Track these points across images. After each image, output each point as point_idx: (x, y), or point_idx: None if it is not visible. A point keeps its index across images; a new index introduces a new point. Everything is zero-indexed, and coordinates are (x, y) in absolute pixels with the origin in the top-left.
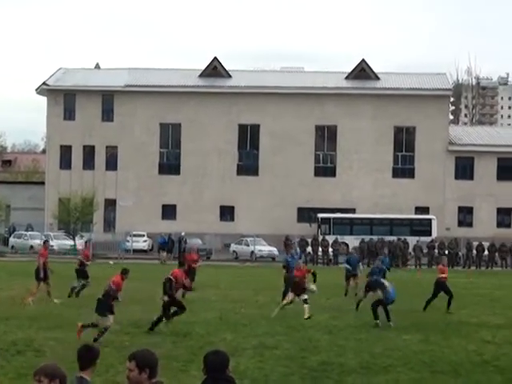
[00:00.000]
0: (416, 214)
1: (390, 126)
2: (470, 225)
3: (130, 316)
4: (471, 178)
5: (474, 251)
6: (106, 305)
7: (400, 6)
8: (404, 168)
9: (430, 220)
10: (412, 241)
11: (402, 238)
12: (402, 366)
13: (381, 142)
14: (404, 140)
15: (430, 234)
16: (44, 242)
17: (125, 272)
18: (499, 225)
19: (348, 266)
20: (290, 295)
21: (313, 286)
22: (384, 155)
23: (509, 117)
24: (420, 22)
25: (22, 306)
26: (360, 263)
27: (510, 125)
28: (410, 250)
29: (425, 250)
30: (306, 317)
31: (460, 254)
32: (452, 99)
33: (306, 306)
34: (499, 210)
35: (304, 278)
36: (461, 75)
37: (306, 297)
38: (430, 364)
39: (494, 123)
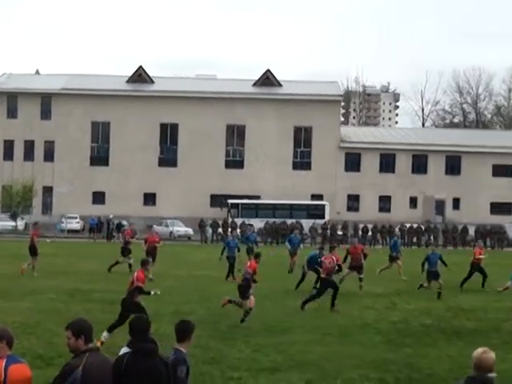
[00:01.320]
0: (312, 200)
1: (290, 126)
2: (357, 210)
3: (64, 286)
4: (358, 170)
5: (360, 232)
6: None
7: (300, 22)
8: (302, 162)
9: (323, 206)
10: (308, 223)
11: (300, 220)
12: (298, 328)
13: (282, 140)
14: (302, 138)
15: (323, 218)
16: (34, 224)
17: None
18: (381, 210)
19: (288, 246)
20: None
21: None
22: (285, 151)
23: (389, 119)
24: (317, 37)
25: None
26: (301, 244)
27: (390, 126)
28: (306, 231)
29: (319, 231)
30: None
31: (348, 234)
32: (343, 104)
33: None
34: (381, 198)
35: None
36: (350, 83)
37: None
38: (321, 327)
39: (377, 124)
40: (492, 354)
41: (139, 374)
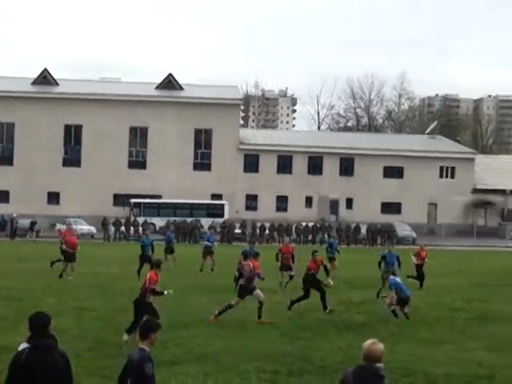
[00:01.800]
0: (211, 200)
1: (191, 128)
2: (255, 209)
3: None
4: (256, 171)
5: (258, 230)
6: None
7: (202, 27)
8: (202, 163)
9: (222, 205)
10: (208, 222)
11: (200, 219)
12: (199, 322)
13: (183, 141)
14: (203, 140)
15: (222, 216)
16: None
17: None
18: (278, 209)
19: (208, 244)
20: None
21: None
22: (186, 152)
23: (287, 122)
24: (218, 42)
25: None
26: (214, 243)
27: (287, 129)
28: (206, 229)
29: (218, 230)
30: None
31: (246, 232)
32: (242, 107)
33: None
34: (278, 198)
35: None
36: (249, 88)
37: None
38: (221, 321)
39: (276, 127)
40: (380, 345)
41: (38, 369)
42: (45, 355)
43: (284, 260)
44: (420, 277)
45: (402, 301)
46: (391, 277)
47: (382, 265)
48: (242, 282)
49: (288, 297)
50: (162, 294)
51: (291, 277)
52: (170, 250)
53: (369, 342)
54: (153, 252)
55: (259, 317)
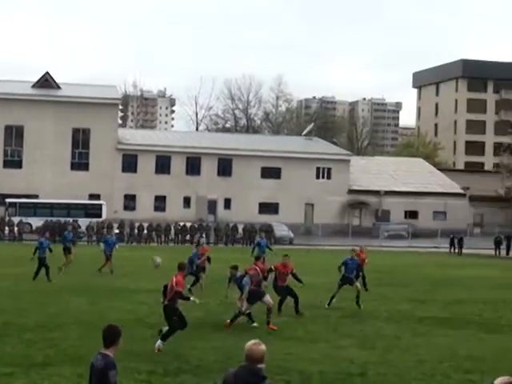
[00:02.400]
0: (89, 200)
1: (69, 128)
2: (134, 209)
3: None
4: (135, 171)
5: (136, 230)
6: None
7: (79, 27)
8: (80, 162)
9: (100, 205)
10: (85, 222)
11: (77, 219)
12: (72, 323)
13: (61, 141)
14: (81, 139)
15: (100, 216)
16: None
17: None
18: (156, 209)
19: (105, 246)
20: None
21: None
22: (63, 151)
23: (166, 123)
24: (97, 42)
25: None
26: (117, 244)
27: (166, 129)
28: (84, 229)
29: (95, 230)
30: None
31: (125, 232)
32: (121, 107)
33: None
34: (156, 198)
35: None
36: (128, 88)
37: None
38: (96, 322)
39: (154, 127)
40: (262, 346)
41: None
42: None
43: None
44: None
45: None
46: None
47: (342, 270)
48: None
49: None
50: (188, 299)
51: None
52: (68, 250)
53: (250, 342)
54: (51, 251)
55: (268, 323)
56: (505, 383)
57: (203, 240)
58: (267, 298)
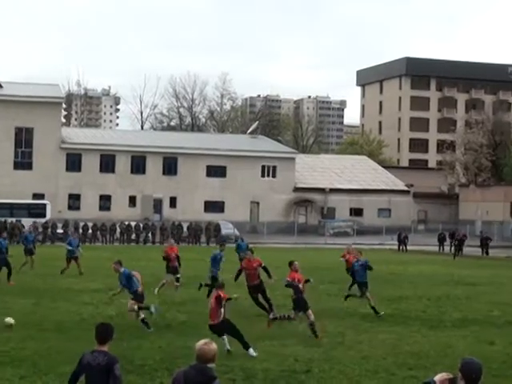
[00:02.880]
0: (33, 199)
1: (11, 127)
2: (78, 208)
3: None
4: (79, 170)
5: (81, 230)
6: None
7: (21, 23)
8: (23, 161)
9: (44, 204)
10: (29, 222)
11: (20, 219)
12: (15, 325)
13: (3, 140)
14: (24, 138)
15: (44, 216)
16: None
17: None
18: (101, 208)
19: (69, 248)
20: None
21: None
22: (6, 150)
23: (110, 121)
24: (40, 41)
25: None
26: (79, 247)
27: (110, 128)
28: (27, 229)
29: (40, 230)
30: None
31: (69, 232)
32: (64, 106)
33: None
34: (101, 197)
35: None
36: (72, 86)
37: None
38: (38, 323)
39: (99, 126)
40: (213, 346)
41: None
42: None
43: (170, 261)
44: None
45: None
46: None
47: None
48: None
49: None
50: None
51: (177, 279)
52: (29, 251)
53: (201, 342)
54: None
55: (315, 334)
56: (444, 379)
57: (172, 240)
58: (310, 310)
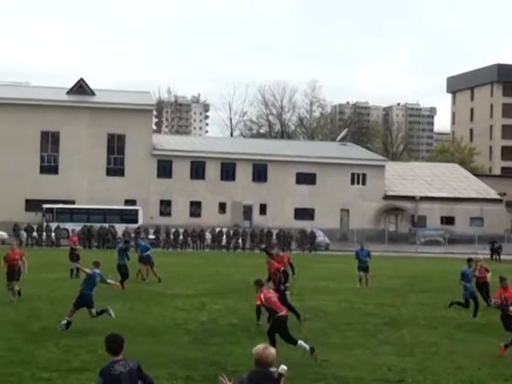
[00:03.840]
0: (125, 205)
1: (104, 133)
2: (169, 214)
3: None
4: (170, 176)
5: (172, 236)
6: None
7: (114, 33)
8: (116, 168)
9: (136, 210)
10: (121, 227)
11: (112, 224)
12: (110, 329)
13: (96, 146)
14: (116, 145)
15: (136, 222)
16: None
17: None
18: (191, 214)
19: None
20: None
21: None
22: (99, 157)
23: (200, 128)
24: (131, 49)
25: None
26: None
27: (200, 135)
28: (120, 235)
29: (132, 235)
30: None
31: (161, 238)
32: (155, 113)
33: None
34: (192, 203)
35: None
36: (162, 94)
37: None
38: (132, 327)
39: (189, 133)
40: (272, 350)
41: None
42: None
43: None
44: None
45: None
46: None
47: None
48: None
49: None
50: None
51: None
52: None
53: (260, 347)
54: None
55: None
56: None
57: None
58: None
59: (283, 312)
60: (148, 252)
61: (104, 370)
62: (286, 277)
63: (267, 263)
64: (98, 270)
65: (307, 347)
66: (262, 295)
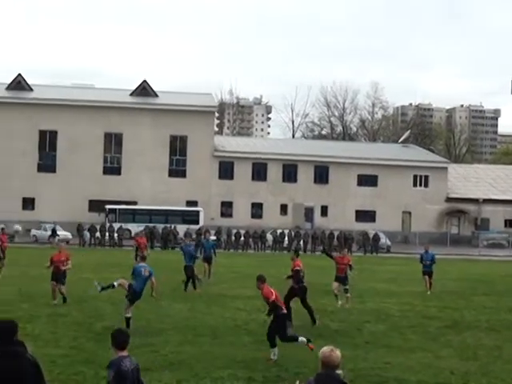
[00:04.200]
0: (187, 206)
1: (166, 135)
2: (231, 216)
3: None
4: (231, 178)
5: (233, 237)
6: None
7: (175, 35)
8: (178, 169)
9: (198, 211)
10: (183, 228)
11: (174, 225)
12: (171, 329)
13: (158, 148)
14: (178, 146)
15: (198, 223)
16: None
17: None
18: (253, 216)
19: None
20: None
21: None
22: (161, 158)
23: (262, 130)
24: (193, 50)
25: None
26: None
27: (262, 136)
28: (181, 235)
29: (193, 236)
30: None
31: (222, 239)
32: (217, 115)
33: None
34: (253, 204)
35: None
36: (224, 95)
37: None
38: (193, 328)
39: (250, 135)
40: (338, 352)
41: (5, 376)
42: (12, 362)
43: (339, 271)
44: None
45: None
46: None
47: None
48: None
49: None
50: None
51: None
52: (209, 260)
53: (327, 349)
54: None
55: None
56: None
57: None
58: None
59: (284, 310)
60: (212, 251)
61: (114, 363)
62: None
63: (292, 261)
64: (143, 263)
65: (304, 340)
66: (273, 290)
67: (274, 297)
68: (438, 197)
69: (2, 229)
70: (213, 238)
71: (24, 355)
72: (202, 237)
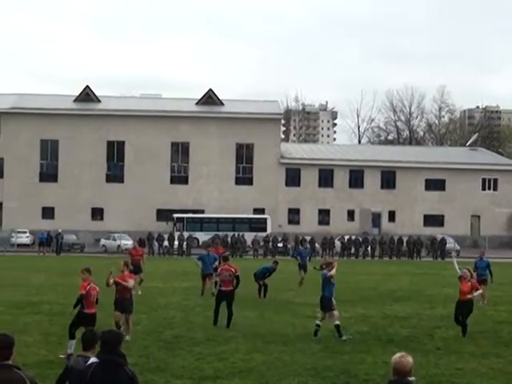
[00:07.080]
0: (254, 214)
1: (232, 143)
2: (298, 223)
3: (13, 298)
4: (298, 185)
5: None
6: None
7: (240, 43)
8: (244, 177)
9: (265, 219)
10: (250, 236)
11: (242, 233)
12: (241, 337)
13: (225, 156)
14: (244, 154)
15: (265, 230)
16: None
17: None
18: (320, 223)
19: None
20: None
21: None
22: (228, 166)
23: (328, 136)
24: (257, 58)
25: None
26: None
27: (328, 143)
28: (249, 243)
29: (261, 243)
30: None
31: (289, 246)
32: (283, 122)
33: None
34: (320, 211)
35: None
36: (290, 102)
37: None
38: (263, 335)
39: (316, 141)
40: (409, 359)
41: (101, 383)
42: (111, 372)
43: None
44: None
45: None
46: None
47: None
48: None
49: None
50: None
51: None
52: (304, 268)
53: (397, 355)
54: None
55: None
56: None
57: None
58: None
59: None
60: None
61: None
62: None
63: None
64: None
65: None
66: None
67: None
68: (507, 200)
69: (136, 243)
70: (280, 245)
71: (123, 367)
72: (300, 245)
